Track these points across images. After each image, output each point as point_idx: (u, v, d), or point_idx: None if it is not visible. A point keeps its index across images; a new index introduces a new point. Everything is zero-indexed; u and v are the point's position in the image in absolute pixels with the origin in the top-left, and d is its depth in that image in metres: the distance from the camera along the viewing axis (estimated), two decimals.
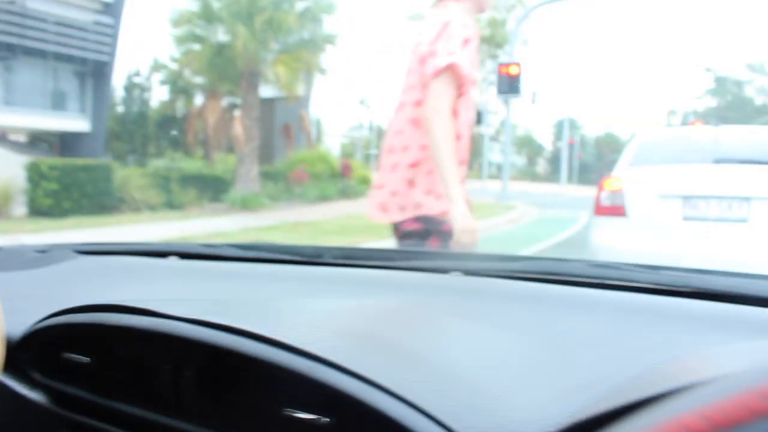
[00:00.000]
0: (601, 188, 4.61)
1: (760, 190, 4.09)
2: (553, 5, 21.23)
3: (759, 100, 71.77)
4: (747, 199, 4.09)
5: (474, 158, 56.05)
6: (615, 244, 4.39)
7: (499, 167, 19.63)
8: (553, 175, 50.13)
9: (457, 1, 2.12)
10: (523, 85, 17.69)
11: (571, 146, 45.86)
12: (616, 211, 4.44)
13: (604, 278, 0.97)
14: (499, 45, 45.32)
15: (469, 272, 1.03)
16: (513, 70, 16.74)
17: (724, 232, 4.14)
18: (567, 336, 0.71)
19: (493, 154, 37.31)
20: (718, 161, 4.35)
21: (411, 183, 2.08)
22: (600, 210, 4.55)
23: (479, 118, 27.34)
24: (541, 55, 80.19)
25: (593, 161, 50.13)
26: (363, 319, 0.76)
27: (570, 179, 39.47)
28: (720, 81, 72.64)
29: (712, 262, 3.88)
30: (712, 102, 71.32)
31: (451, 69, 1.99)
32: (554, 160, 52.74)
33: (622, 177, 4.54)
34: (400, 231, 2.11)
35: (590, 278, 0.97)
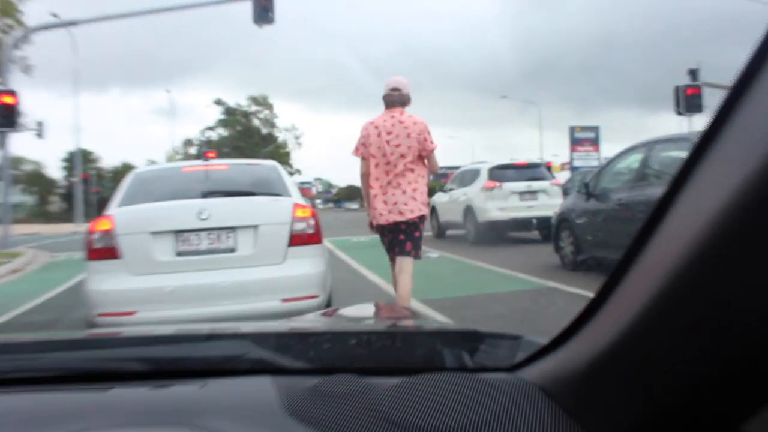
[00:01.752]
0: (91, 230, 4.49)
1: (243, 220, 4.63)
2: (62, 30, 19.97)
3: (264, 130, 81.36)
4: (233, 229, 4.57)
5: None
6: (111, 288, 4.32)
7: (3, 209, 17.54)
8: (69, 214, 47.21)
9: (403, 107, 5.10)
10: (24, 115, 16.29)
11: (85, 181, 43.98)
12: (110, 253, 4.37)
13: None
14: None
15: None
16: (8, 100, 15.32)
17: (215, 263, 4.52)
18: None
19: None
20: (206, 195, 4.76)
21: (414, 199, 4.92)
22: (92, 254, 4.41)
23: None
24: (50, 82, 74.51)
25: (112, 195, 49.09)
26: None
27: (87, 216, 37.69)
28: (230, 112, 79.74)
29: (204, 294, 4.29)
30: (224, 132, 77.76)
31: (435, 149, 5.05)
32: (70, 197, 49.67)
33: (114, 216, 4.51)
34: (405, 224, 4.97)
35: None
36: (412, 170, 4.99)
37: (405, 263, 5.08)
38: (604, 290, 0.69)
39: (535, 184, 14.14)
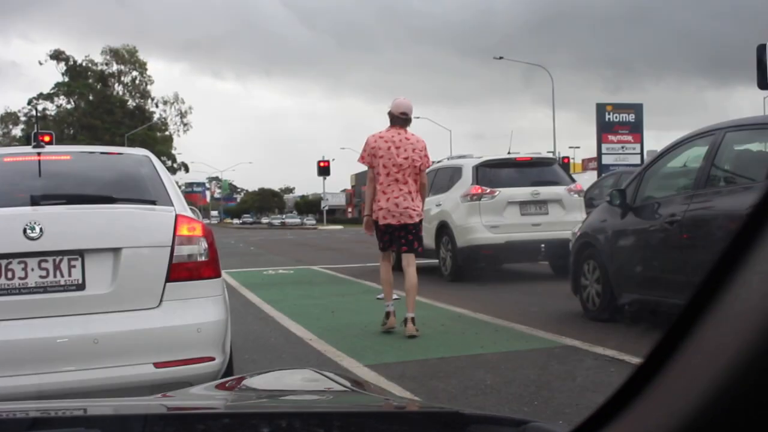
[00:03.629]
0: None
1: (97, 240, 4.58)
2: None
3: (132, 101, 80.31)
4: (80, 253, 4.51)
5: None
6: None
7: None
8: None
9: (404, 127, 8.89)
10: None
11: None
12: None
13: None
14: None
15: None
16: None
17: (50, 307, 4.45)
18: None
19: None
20: (38, 200, 4.67)
21: (418, 204, 8.76)
22: None
23: None
24: None
25: None
26: None
27: None
28: (77, 72, 78.64)
29: (32, 356, 4.21)
30: (68, 103, 76.70)
31: (429, 165, 9.23)
32: None
33: None
34: (410, 225, 8.71)
35: None
36: (415, 180, 8.76)
37: (412, 258, 8.82)
38: (659, 352, 0.70)
39: (545, 191, 14.36)
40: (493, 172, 14.55)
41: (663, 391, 0.68)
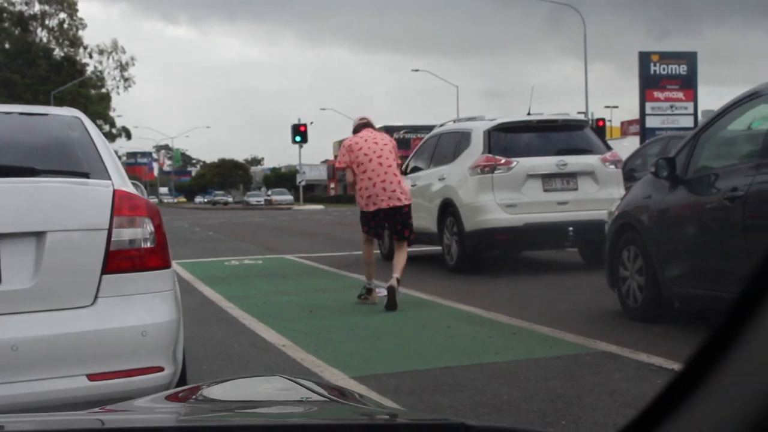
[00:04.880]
0: None
1: (14, 222, 4.56)
2: None
3: (59, 50, 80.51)
4: None
5: None
6: None
7: None
8: None
9: (371, 127, 12.20)
10: None
11: None
12: None
13: None
14: None
15: None
16: None
17: None
18: None
19: None
20: None
21: (404, 188, 11.52)
22: None
23: None
24: None
25: None
26: None
27: None
28: None
29: None
30: None
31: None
32: None
33: None
34: (402, 210, 11.34)
35: None
36: (398, 165, 11.33)
37: (403, 246, 11.11)
38: (707, 354, 0.70)
39: (574, 162, 14.43)
40: (510, 138, 14.58)
41: (707, 403, 0.68)
